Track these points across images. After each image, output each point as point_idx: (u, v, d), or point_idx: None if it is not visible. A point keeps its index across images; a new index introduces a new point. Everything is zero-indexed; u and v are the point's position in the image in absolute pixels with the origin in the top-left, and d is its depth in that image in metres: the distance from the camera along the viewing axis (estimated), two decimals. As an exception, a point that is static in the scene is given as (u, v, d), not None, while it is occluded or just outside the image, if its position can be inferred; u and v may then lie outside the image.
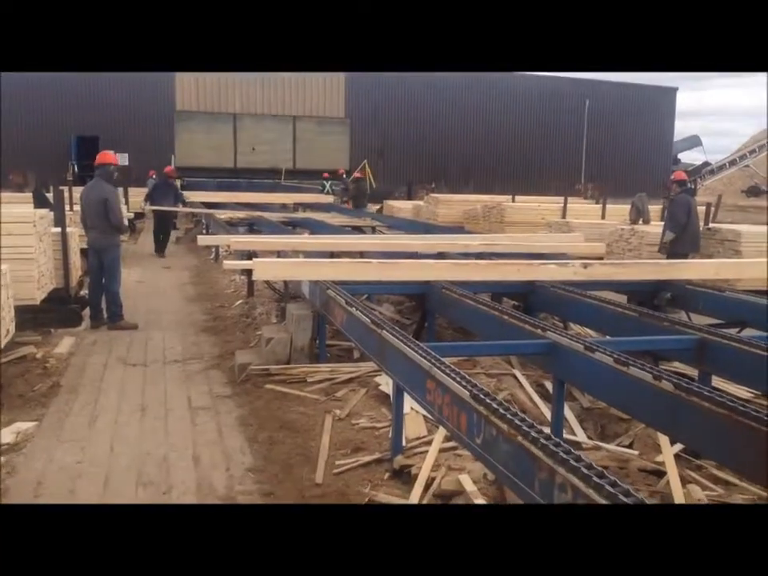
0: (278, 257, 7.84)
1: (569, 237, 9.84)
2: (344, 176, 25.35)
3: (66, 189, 10.26)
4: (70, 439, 4.57)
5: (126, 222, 7.75)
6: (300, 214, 16.35)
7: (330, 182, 25.75)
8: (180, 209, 16.15)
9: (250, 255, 8.62)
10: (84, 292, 8.25)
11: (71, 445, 4.47)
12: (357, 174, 23.55)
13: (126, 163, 29.72)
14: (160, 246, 14.67)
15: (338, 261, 6.57)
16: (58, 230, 7.44)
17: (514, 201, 17.51)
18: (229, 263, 7.10)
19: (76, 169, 26.81)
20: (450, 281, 5.89)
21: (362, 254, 7.88)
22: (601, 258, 8.25)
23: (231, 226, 11.97)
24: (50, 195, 10.96)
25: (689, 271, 6.57)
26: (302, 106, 32.52)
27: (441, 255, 7.58)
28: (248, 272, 8.07)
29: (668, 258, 9.13)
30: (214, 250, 13.32)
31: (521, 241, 9.06)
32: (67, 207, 8.76)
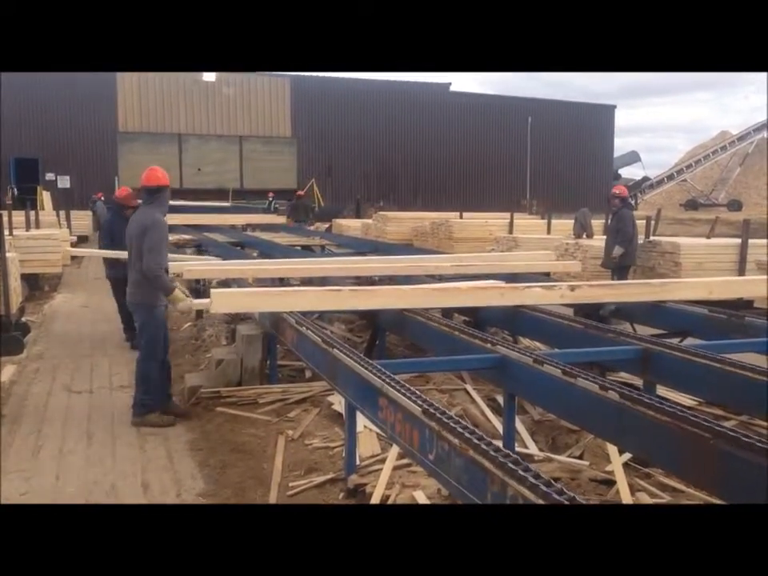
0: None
1: (540, 255, 9.30)
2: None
3: (5, 213, 9.98)
4: (13, 470, 4.41)
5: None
6: (254, 234, 16.23)
7: (273, 201, 26.13)
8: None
9: (198, 281, 8.43)
10: (26, 318, 8.01)
11: (15, 476, 4.32)
12: (299, 193, 25.01)
13: (68, 186, 29.26)
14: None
15: (305, 289, 6.17)
16: (-3, 255, 7.25)
17: (461, 217, 17.75)
18: (183, 305, 6.41)
19: (16, 192, 26.12)
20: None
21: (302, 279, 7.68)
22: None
23: (178, 248, 11.81)
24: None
25: (681, 292, 6.24)
26: (247, 125, 32.43)
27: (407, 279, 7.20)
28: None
29: (614, 271, 9.35)
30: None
31: (493, 261, 8.60)
32: (6, 232, 8.51)
